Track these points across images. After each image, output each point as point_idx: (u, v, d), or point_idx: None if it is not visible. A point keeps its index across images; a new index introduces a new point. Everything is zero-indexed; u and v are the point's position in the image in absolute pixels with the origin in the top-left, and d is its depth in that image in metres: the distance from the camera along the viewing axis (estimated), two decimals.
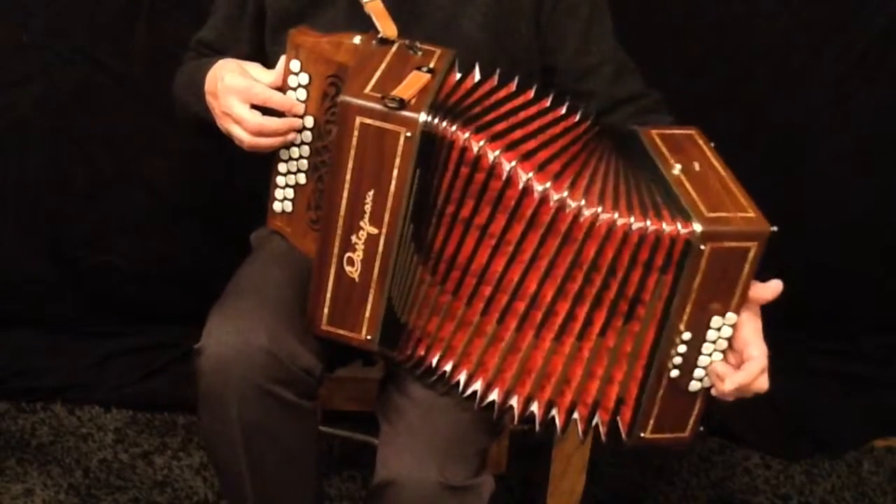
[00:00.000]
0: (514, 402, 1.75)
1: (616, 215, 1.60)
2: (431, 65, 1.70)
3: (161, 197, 2.75)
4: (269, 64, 1.89)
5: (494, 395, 1.75)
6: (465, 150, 1.63)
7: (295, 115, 1.77)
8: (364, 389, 2.40)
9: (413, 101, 1.62)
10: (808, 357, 2.96)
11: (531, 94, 1.76)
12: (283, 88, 1.77)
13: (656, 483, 2.71)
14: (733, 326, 1.64)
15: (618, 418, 1.73)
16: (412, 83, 1.65)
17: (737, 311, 1.63)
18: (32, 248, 2.78)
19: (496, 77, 1.75)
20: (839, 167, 2.78)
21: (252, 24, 1.97)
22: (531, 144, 1.67)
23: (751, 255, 1.59)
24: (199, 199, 2.75)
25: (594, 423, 1.74)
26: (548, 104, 1.77)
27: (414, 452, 1.73)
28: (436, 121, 1.62)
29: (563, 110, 1.77)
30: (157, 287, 2.83)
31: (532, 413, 1.75)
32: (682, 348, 1.65)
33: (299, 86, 1.77)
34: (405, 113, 1.60)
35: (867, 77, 2.68)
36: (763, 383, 1.68)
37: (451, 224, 1.68)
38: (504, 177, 1.62)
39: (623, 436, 1.74)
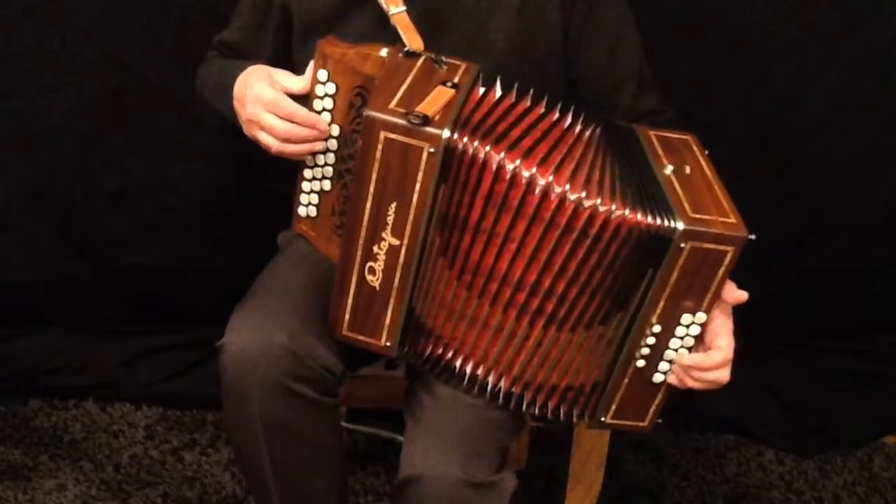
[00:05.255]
0: (529, 394, 1.80)
1: (627, 211, 1.64)
2: (456, 79, 1.72)
3: (189, 199, 2.78)
4: (294, 71, 1.89)
5: (514, 390, 1.80)
6: (486, 163, 1.65)
7: (318, 131, 1.78)
8: (386, 387, 2.42)
9: (437, 117, 1.63)
10: (820, 355, 2.99)
11: (544, 105, 1.79)
12: (310, 96, 1.79)
13: (673, 478, 2.74)
14: (702, 325, 1.69)
15: (590, 403, 1.79)
16: (437, 98, 1.66)
17: (707, 311, 1.68)
18: (64, 249, 2.81)
19: (515, 91, 1.77)
20: (852, 170, 2.80)
21: (276, 29, 1.99)
22: (554, 156, 1.70)
23: (727, 259, 1.64)
24: (226, 202, 2.78)
25: (574, 409, 1.81)
26: (556, 115, 1.79)
27: (438, 449, 1.76)
28: (458, 136, 1.64)
29: (569, 119, 1.80)
30: (185, 287, 2.85)
31: (544, 405, 1.81)
32: (650, 340, 1.71)
33: (326, 95, 1.78)
34: (429, 129, 1.61)
35: (880, 82, 2.69)
36: (724, 375, 1.72)
37: (474, 234, 1.70)
38: (524, 185, 1.65)
39: (586, 418, 1.80)
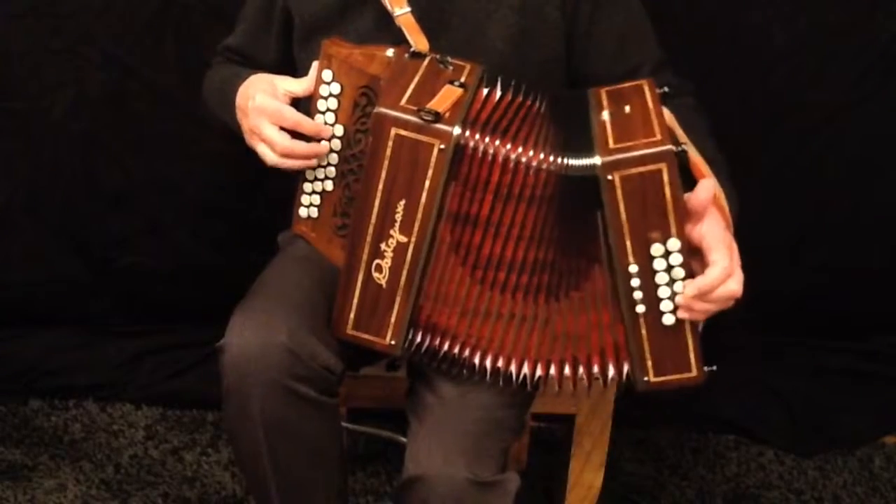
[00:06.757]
0: (556, 370, 1.78)
1: (554, 160, 1.65)
2: (463, 79, 1.73)
3: (190, 199, 2.78)
4: (297, 71, 1.92)
5: (540, 373, 1.78)
6: (494, 158, 1.66)
7: (323, 140, 1.79)
8: (388, 387, 2.40)
9: (447, 114, 1.64)
10: (821, 355, 2.98)
11: (534, 98, 1.78)
12: (314, 96, 1.79)
13: (672, 478, 2.74)
14: (681, 251, 1.64)
15: (624, 365, 1.75)
16: (446, 97, 1.67)
17: (679, 236, 1.63)
18: (64, 249, 2.81)
19: (513, 89, 1.77)
20: (853, 170, 2.80)
21: (279, 32, 2.00)
22: (531, 136, 1.70)
23: (665, 177, 1.60)
24: (226, 202, 2.78)
25: (610, 374, 1.76)
26: (530, 101, 1.78)
27: (443, 449, 1.76)
28: (467, 133, 1.65)
29: (527, 99, 1.78)
30: (185, 287, 2.86)
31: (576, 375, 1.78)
32: (636, 282, 1.67)
33: (331, 95, 1.78)
34: (440, 126, 1.63)
35: (882, 81, 2.70)
36: (733, 287, 1.65)
37: (484, 228, 1.70)
38: (523, 171, 1.66)
39: (633, 383, 1.75)
